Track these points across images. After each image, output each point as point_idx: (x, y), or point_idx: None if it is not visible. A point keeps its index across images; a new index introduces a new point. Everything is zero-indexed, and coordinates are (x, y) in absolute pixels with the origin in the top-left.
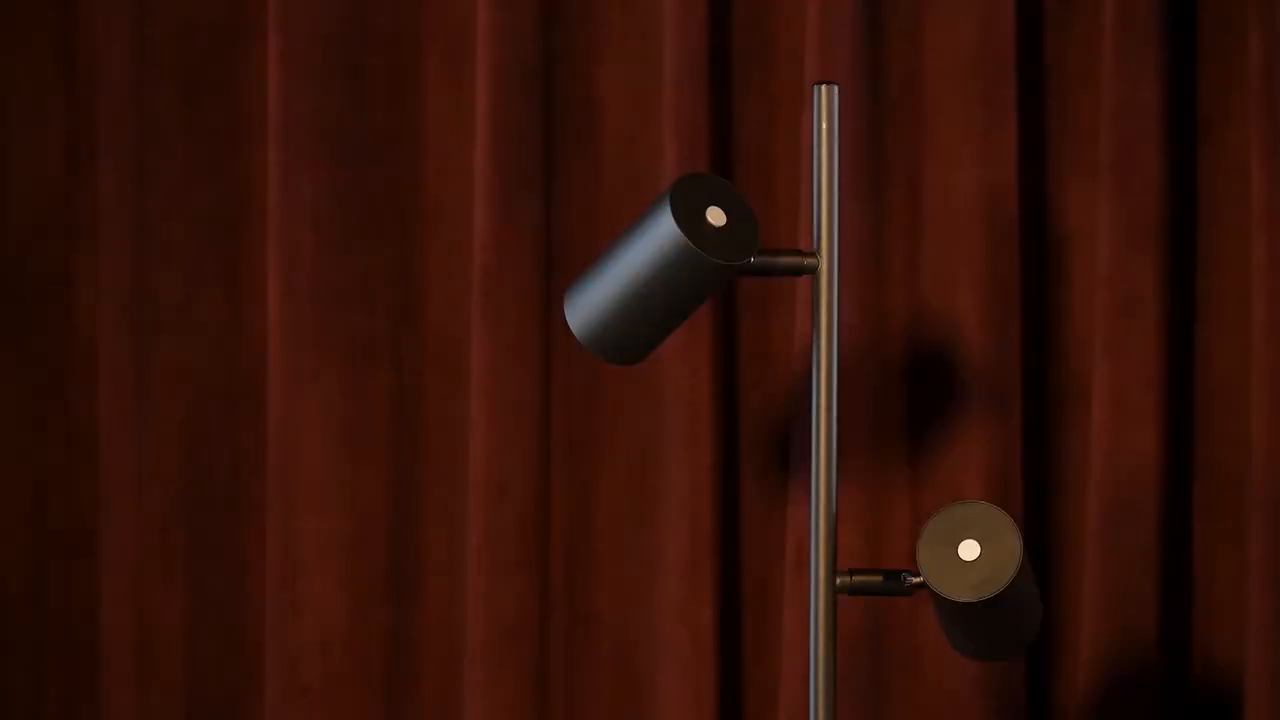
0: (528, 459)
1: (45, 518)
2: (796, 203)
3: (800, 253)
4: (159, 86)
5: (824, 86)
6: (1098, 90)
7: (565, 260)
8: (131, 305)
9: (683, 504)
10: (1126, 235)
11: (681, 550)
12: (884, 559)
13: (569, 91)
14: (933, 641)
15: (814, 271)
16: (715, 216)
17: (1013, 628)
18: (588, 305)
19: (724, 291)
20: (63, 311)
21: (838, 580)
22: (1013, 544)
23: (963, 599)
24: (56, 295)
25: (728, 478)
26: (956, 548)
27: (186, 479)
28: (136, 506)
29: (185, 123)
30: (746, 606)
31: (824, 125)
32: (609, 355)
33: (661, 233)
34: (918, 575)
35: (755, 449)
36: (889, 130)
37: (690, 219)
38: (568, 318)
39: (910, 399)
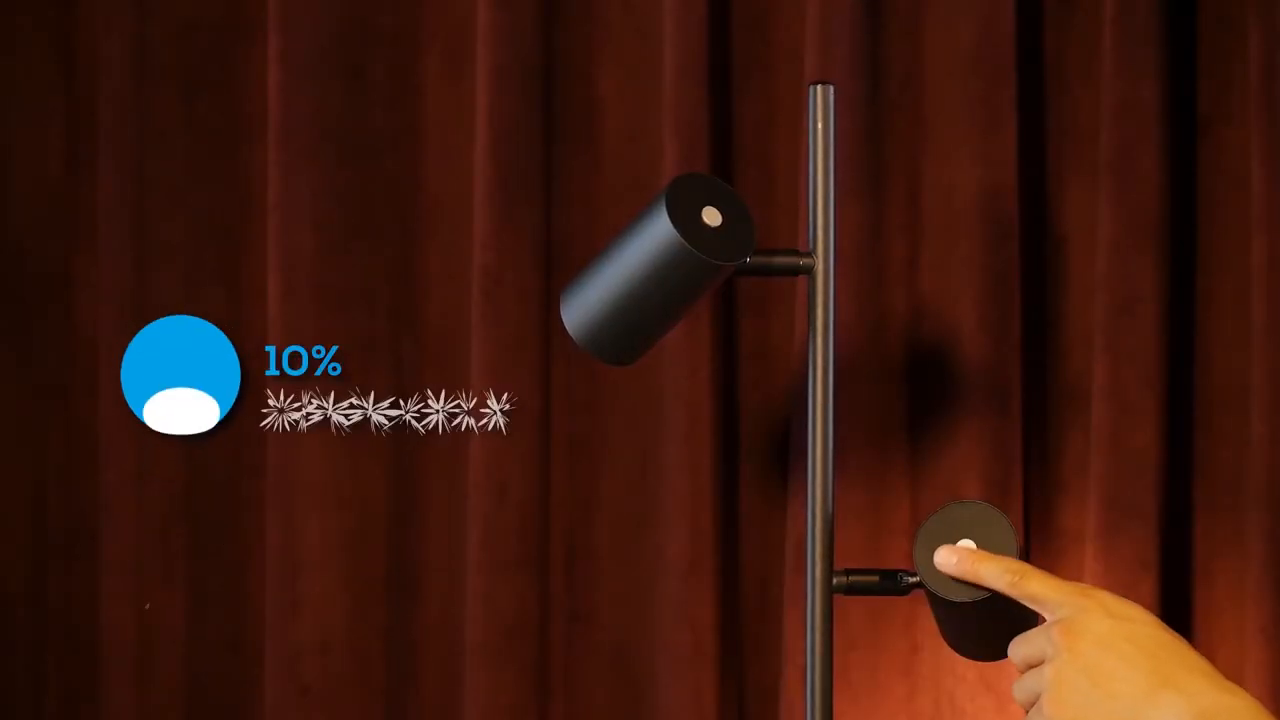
0: (528, 459)
1: (45, 518)
2: (796, 203)
3: (796, 252)
4: (159, 86)
5: (819, 86)
6: (1098, 90)
7: (565, 260)
8: (131, 305)
9: (682, 503)
10: (1126, 235)
11: (681, 550)
12: (884, 558)
13: (569, 91)
14: (932, 641)
15: (809, 271)
16: (711, 216)
17: (1011, 628)
18: (583, 305)
19: (723, 291)
20: (63, 311)
21: (834, 580)
22: (1010, 543)
23: (959, 599)
24: (56, 295)
25: (728, 478)
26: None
27: (186, 479)
28: (136, 506)
29: (185, 123)
30: (746, 606)
31: (819, 125)
32: (605, 355)
33: (657, 232)
34: (914, 575)
35: (755, 449)
36: (888, 130)
37: (686, 219)
38: (563, 318)
39: (909, 399)
